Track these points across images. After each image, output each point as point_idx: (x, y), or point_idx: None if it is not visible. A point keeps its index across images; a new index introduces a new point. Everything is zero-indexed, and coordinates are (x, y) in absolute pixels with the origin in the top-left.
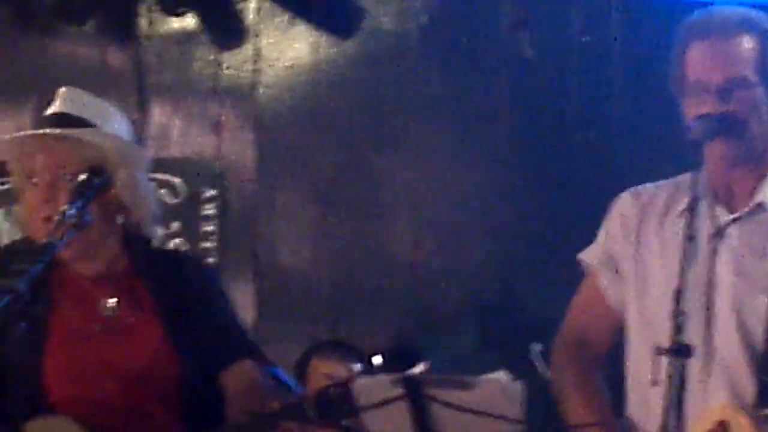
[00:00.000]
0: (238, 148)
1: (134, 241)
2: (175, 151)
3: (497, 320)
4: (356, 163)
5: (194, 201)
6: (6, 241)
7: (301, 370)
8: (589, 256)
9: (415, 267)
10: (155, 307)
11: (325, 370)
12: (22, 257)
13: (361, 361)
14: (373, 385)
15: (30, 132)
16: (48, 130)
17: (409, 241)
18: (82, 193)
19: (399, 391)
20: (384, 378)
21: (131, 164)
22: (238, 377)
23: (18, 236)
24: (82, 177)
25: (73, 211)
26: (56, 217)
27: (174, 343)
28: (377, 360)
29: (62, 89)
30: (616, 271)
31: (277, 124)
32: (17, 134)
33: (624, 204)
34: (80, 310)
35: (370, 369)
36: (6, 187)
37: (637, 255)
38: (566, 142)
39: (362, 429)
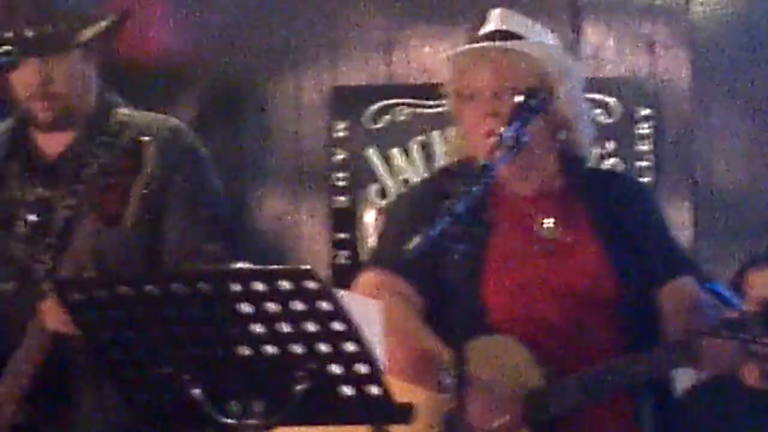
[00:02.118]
0: (673, 66)
1: (570, 160)
2: (609, 70)
3: None
4: None
5: (629, 120)
6: (441, 164)
7: (737, 286)
8: None
9: None
10: (593, 226)
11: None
12: (460, 178)
13: None
14: None
15: (473, 45)
16: (492, 44)
17: None
18: (519, 115)
19: None
20: None
21: (571, 78)
22: (676, 294)
23: (453, 159)
24: (520, 98)
25: (510, 133)
26: (496, 136)
27: (612, 262)
28: None
29: (495, 10)
30: None
31: (711, 42)
32: (458, 50)
33: None
34: (518, 230)
35: None
36: (440, 110)
37: None
38: None
39: None
